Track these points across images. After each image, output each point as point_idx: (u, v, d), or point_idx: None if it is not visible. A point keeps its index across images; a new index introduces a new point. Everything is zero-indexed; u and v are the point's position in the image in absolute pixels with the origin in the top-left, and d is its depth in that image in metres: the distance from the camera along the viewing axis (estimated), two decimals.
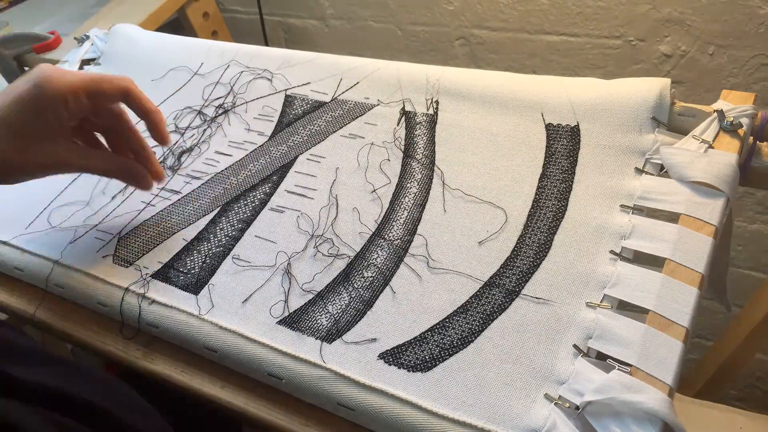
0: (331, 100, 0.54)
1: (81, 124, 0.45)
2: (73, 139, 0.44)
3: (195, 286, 0.43)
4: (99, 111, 0.45)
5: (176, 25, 0.94)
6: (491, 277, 0.39)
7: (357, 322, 0.39)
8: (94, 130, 0.47)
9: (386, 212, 0.45)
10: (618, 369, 0.33)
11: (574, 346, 0.35)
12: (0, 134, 0.40)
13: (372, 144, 0.49)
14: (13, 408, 0.31)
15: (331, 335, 0.39)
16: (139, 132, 0.47)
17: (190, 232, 0.47)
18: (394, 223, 0.44)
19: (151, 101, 0.45)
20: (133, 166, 0.45)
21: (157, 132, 0.46)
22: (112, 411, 0.35)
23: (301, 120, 0.53)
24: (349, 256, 0.43)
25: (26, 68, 0.74)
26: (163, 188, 0.51)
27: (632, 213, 0.40)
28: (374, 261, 0.42)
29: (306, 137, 0.52)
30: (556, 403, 0.33)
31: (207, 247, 0.46)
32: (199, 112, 0.57)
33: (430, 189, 0.45)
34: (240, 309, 0.41)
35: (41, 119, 0.40)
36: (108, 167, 0.45)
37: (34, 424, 0.31)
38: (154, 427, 0.37)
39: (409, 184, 0.46)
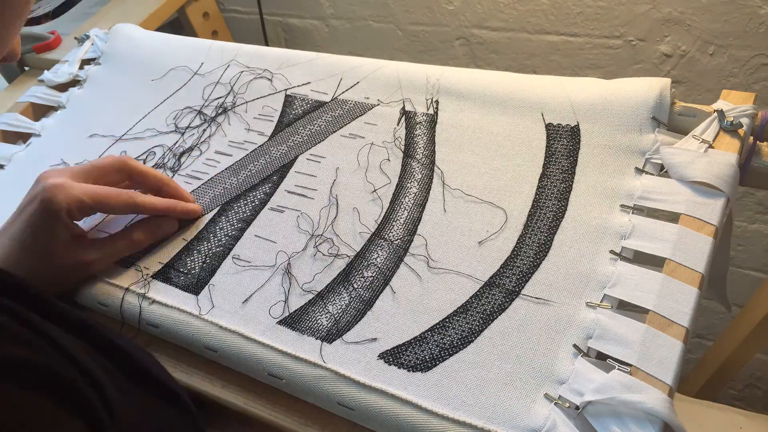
0: (331, 100, 0.54)
1: None
2: (85, 238, 0.45)
3: (195, 287, 0.43)
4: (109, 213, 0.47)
5: (176, 24, 0.94)
6: (491, 277, 0.39)
7: (357, 322, 0.39)
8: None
9: (386, 212, 0.45)
10: (618, 369, 0.33)
11: (574, 345, 0.35)
12: (22, 256, 0.41)
13: (372, 144, 0.49)
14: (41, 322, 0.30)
15: (331, 335, 0.39)
16: (166, 180, 0.47)
17: (191, 232, 0.47)
18: (394, 223, 0.44)
19: (157, 173, 0.47)
20: (156, 226, 0.46)
21: (180, 196, 0.47)
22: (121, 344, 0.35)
23: (301, 120, 0.53)
24: (349, 256, 0.43)
25: (26, 68, 0.74)
26: None
27: (632, 213, 0.40)
28: (374, 261, 0.42)
29: (306, 137, 0.52)
30: (556, 403, 0.33)
31: (207, 246, 0.46)
32: (199, 112, 0.57)
33: (430, 189, 0.45)
34: (240, 309, 0.41)
35: (49, 231, 0.41)
36: (132, 242, 0.45)
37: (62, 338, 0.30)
38: (153, 363, 0.37)
39: (409, 184, 0.46)
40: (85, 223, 0.48)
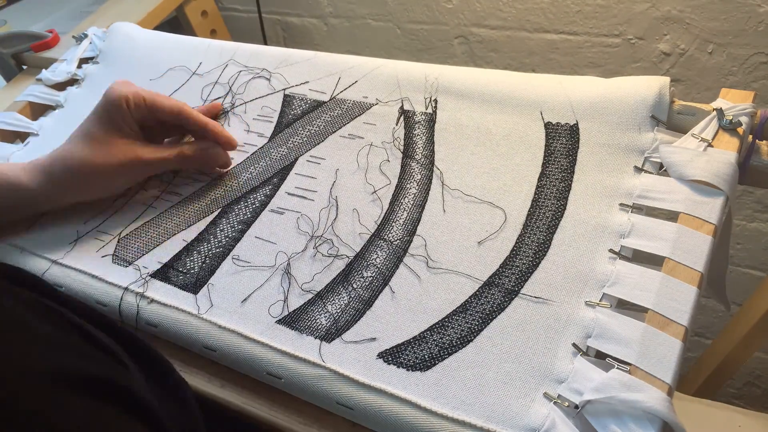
0: (330, 100, 0.53)
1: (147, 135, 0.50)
2: (145, 141, 0.49)
3: (194, 286, 0.43)
4: (158, 118, 0.49)
5: (175, 23, 0.94)
6: (490, 277, 0.39)
7: (356, 322, 0.39)
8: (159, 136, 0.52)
9: (386, 213, 0.45)
10: (617, 368, 0.33)
11: (573, 345, 0.35)
12: (82, 143, 0.46)
13: (371, 144, 0.49)
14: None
15: (330, 334, 0.39)
16: (201, 116, 0.50)
17: (191, 233, 0.47)
18: (393, 224, 0.44)
19: (204, 116, 0.50)
20: (205, 147, 0.49)
21: (222, 139, 0.51)
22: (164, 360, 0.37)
23: (300, 120, 0.53)
24: (348, 257, 0.43)
25: (24, 66, 0.74)
26: (164, 191, 0.51)
27: (631, 212, 0.40)
28: (374, 261, 0.42)
29: (305, 138, 0.52)
30: (555, 402, 0.33)
31: (207, 247, 0.46)
32: None
33: (429, 189, 0.45)
34: (239, 308, 0.41)
35: (111, 120, 0.47)
36: (182, 155, 0.49)
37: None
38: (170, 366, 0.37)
39: (408, 185, 0.46)
40: None
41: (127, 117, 0.47)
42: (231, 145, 0.51)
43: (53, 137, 0.60)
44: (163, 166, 0.49)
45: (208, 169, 0.51)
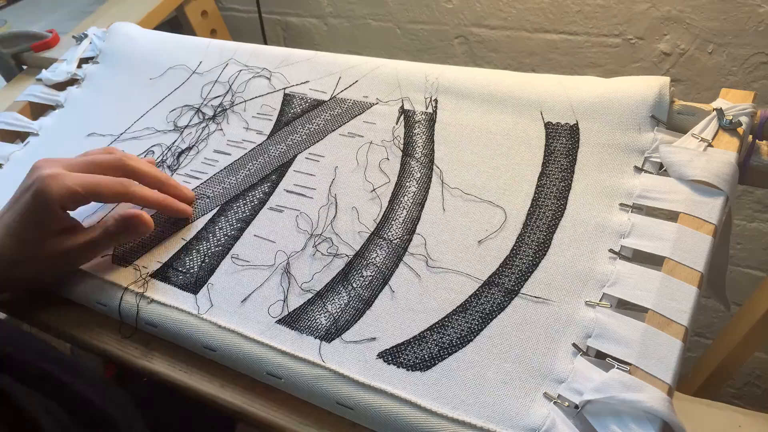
0: (330, 99, 0.53)
1: None
2: (74, 224, 0.45)
3: (194, 286, 0.43)
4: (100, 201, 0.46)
5: (175, 23, 0.94)
6: (490, 276, 0.39)
7: (356, 322, 0.39)
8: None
9: (385, 211, 0.45)
10: (617, 368, 0.33)
11: (573, 344, 0.35)
12: (10, 244, 0.42)
13: (371, 143, 0.49)
14: (8, 382, 0.31)
15: (330, 334, 0.39)
16: (165, 179, 0.47)
17: (190, 232, 0.47)
18: (393, 223, 0.44)
19: (156, 174, 0.47)
20: (127, 218, 0.43)
21: (179, 194, 0.48)
22: (106, 410, 0.35)
23: (300, 119, 0.53)
24: (348, 256, 0.43)
25: (24, 66, 0.74)
26: None
27: (631, 212, 0.40)
28: (373, 260, 0.42)
29: (305, 136, 0.52)
30: (555, 402, 0.33)
31: (206, 246, 0.46)
32: (198, 111, 0.57)
33: (429, 188, 0.45)
34: (239, 308, 0.41)
35: (41, 222, 0.42)
36: (107, 233, 0.43)
37: (25, 399, 0.31)
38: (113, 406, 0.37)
39: (408, 183, 0.46)
40: (83, 214, 0.48)
41: (60, 217, 0.42)
42: (185, 215, 0.48)
43: (53, 137, 0.60)
44: (94, 252, 0.44)
45: (133, 239, 0.46)
